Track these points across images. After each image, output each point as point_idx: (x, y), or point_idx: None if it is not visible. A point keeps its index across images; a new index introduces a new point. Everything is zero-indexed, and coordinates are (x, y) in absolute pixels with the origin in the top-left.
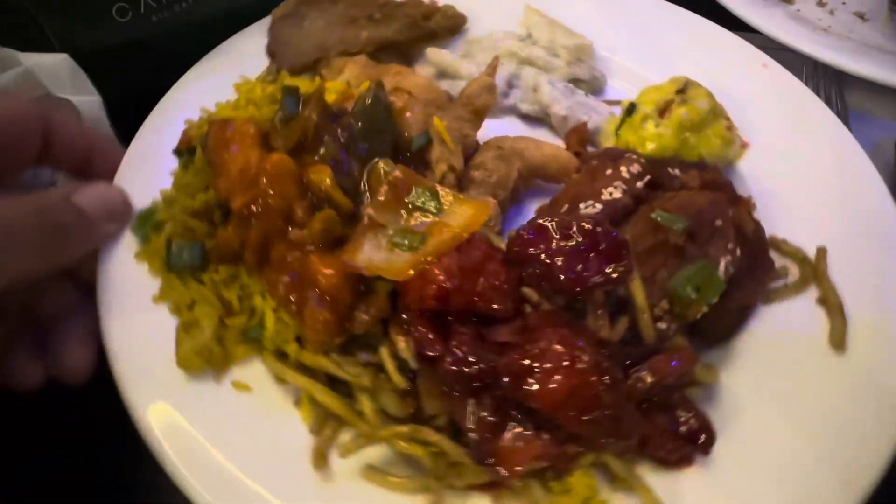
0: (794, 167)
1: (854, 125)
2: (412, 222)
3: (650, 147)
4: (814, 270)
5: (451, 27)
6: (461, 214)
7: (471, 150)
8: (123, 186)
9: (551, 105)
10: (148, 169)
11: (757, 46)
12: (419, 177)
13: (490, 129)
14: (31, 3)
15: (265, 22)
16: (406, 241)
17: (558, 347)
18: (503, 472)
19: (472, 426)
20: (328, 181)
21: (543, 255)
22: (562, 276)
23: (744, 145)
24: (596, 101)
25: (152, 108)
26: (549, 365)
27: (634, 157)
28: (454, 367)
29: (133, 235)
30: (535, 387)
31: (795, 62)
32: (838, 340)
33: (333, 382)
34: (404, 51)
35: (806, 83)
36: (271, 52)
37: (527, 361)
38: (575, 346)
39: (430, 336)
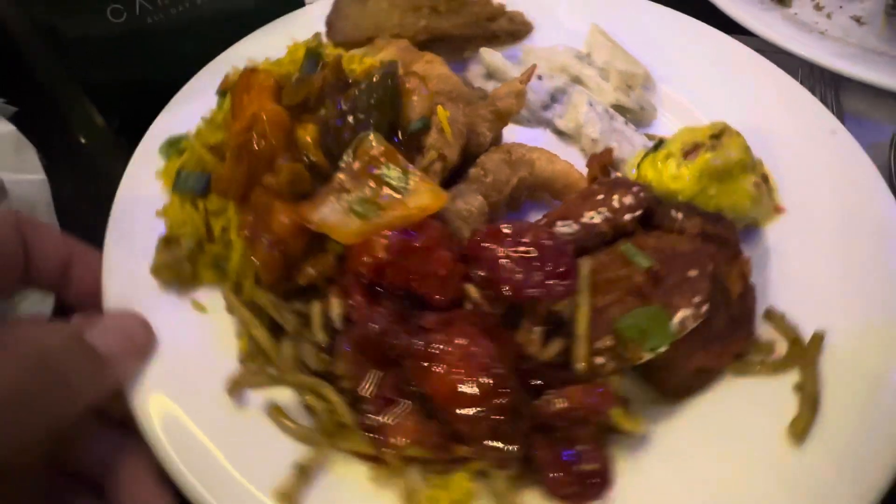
0: (830, 244)
1: (849, 128)
2: (376, 195)
3: (667, 187)
4: (803, 354)
5: (513, 33)
6: (420, 198)
7: (482, 148)
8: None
9: (585, 125)
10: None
11: (753, 49)
12: (398, 155)
13: (520, 137)
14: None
15: (261, 32)
16: (362, 209)
17: (463, 342)
18: (385, 446)
19: (366, 394)
20: (309, 139)
21: (491, 258)
22: (501, 281)
23: (777, 209)
24: (633, 132)
25: (148, 109)
26: (450, 358)
27: (635, 189)
28: (364, 333)
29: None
30: (431, 375)
31: (791, 65)
32: (799, 432)
33: (277, 330)
34: (458, 46)
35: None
36: (329, 22)
37: (433, 349)
38: (483, 349)
39: (359, 301)
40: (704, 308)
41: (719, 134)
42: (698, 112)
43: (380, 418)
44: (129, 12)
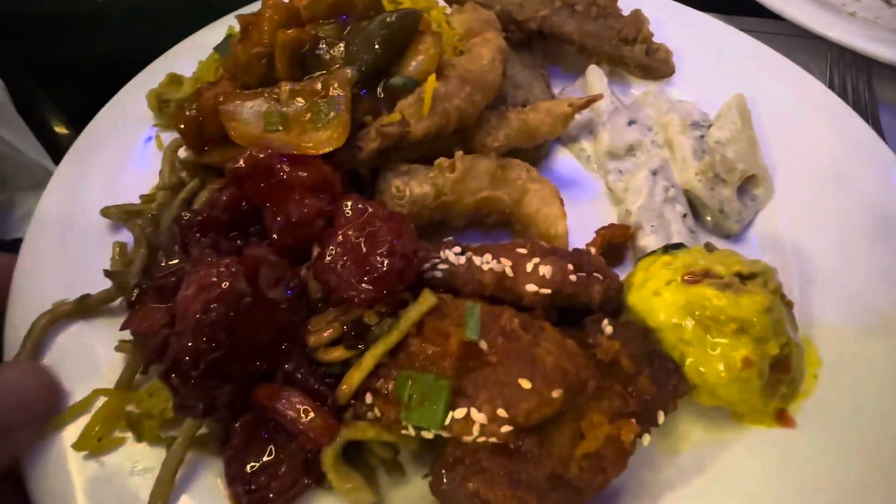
0: None
1: (883, 117)
2: (294, 116)
3: (642, 299)
4: None
5: (646, 67)
6: (316, 136)
7: (485, 149)
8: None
9: (629, 192)
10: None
11: (781, 33)
12: (345, 96)
13: (564, 170)
14: None
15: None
16: (270, 120)
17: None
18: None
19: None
20: (287, 43)
21: (331, 234)
22: (326, 269)
23: (783, 420)
24: (683, 227)
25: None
26: (204, 273)
27: (568, 282)
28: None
29: None
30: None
31: (820, 50)
32: None
33: None
34: (573, 52)
35: (830, 72)
36: None
37: (201, 266)
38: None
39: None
40: (505, 429)
41: (749, 276)
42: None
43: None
44: None
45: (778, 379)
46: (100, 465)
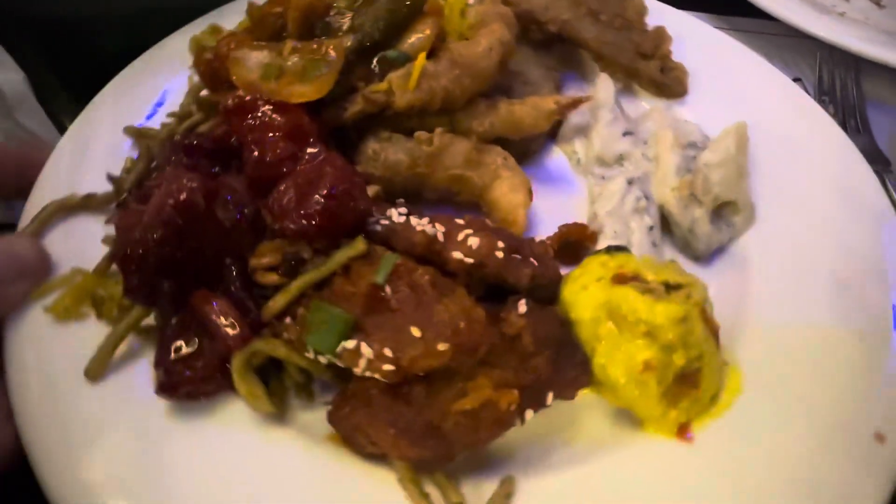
0: None
1: (871, 114)
2: (293, 68)
3: (571, 292)
4: None
5: (659, 85)
6: (301, 89)
7: (468, 134)
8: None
9: (600, 198)
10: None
11: (772, 33)
12: (336, 59)
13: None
14: None
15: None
16: (268, 70)
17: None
18: None
19: None
20: (300, 6)
21: (288, 174)
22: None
23: (680, 432)
24: (643, 239)
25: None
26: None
27: (493, 258)
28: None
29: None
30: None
31: (810, 48)
32: None
33: None
34: (583, 57)
35: (820, 70)
36: None
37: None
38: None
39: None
40: (387, 367)
41: (675, 287)
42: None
43: None
44: None
45: (683, 392)
46: (64, 338)
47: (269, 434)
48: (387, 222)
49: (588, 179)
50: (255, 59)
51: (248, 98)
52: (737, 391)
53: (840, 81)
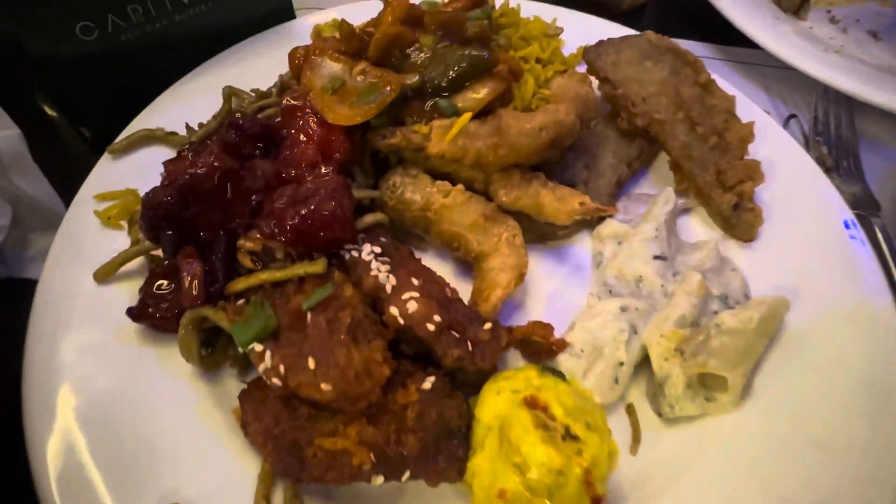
0: None
1: (864, 153)
2: (351, 88)
3: (487, 385)
4: None
5: (725, 219)
6: (338, 115)
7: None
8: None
9: (590, 310)
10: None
11: (772, 65)
12: (390, 93)
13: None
14: None
15: (235, 50)
16: (332, 85)
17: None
18: None
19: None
20: (386, 35)
21: (300, 182)
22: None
23: None
24: (605, 372)
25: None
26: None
27: (423, 328)
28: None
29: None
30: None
31: (807, 82)
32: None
33: None
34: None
35: (816, 110)
36: (592, 62)
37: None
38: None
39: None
40: (275, 382)
41: (573, 437)
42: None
43: None
44: (100, 30)
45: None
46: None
47: (190, 383)
48: (355, 255)
49: (594, 286)
50: (329, 68)
51: (301, 104)
52: None
53: (835, 121)
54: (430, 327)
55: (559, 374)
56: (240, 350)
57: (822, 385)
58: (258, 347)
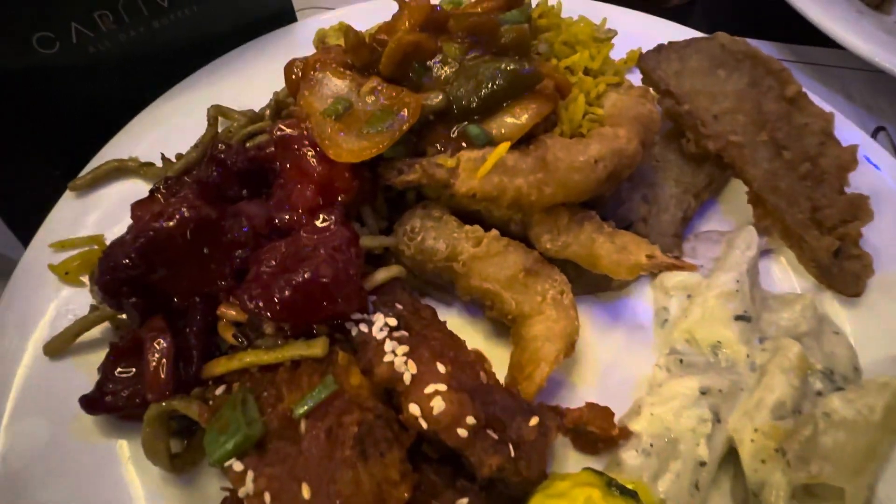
0: None
1: None
2: (359, 112)
3: (538, 497)
4: None
5: (823, 269)
6: (347, 146)
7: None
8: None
9: (659, 389)
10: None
11: (846, 66)
12: (408, 119)
13: None
14: None
15: (224, 61)
16: (334, 108)
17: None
18: None
19: None
20: (403, 44)
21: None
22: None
23: None
24: (684, 473)
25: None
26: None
27: (453, 433)
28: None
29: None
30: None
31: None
32: None
33: None
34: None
35: None
36: (650, 72)
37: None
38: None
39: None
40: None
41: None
42: None
43: None
44: (62, 41)
45: None
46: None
47: (161, 489)
48: (365, 329)
49: (661, 354)
50: (333, 86)
51: (297, 134)
52: None
53: None
54: (462, 433)
55: (630, 494)
56: (211, 464)
57: None
58: (237, 466)
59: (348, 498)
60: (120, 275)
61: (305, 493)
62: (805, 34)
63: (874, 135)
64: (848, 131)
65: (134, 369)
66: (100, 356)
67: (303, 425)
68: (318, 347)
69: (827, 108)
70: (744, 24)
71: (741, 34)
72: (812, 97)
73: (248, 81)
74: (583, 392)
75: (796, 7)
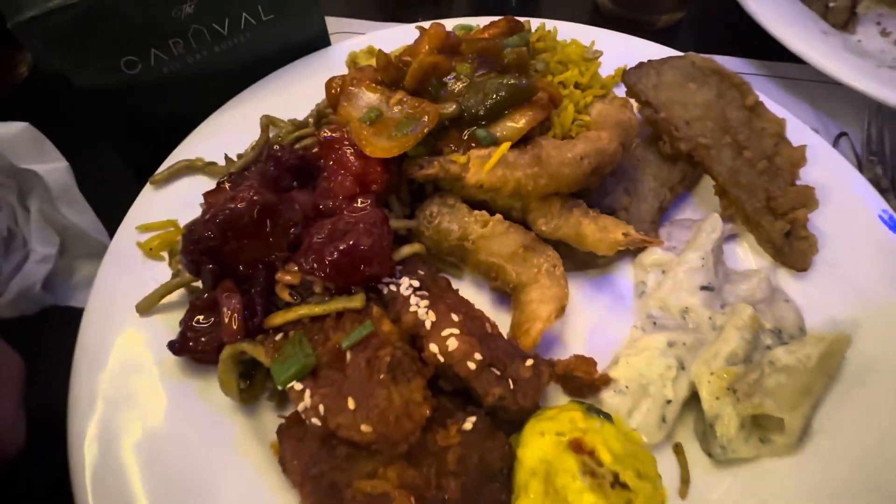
0: None
1: None
2: (388, 119)
3: (530, 424)
4: None
5: (776, 248)
6: (377, 145)
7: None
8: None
9: (630, 346)
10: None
11: (814, 80)
12: (427, 124)
13: None
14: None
15: (272, 78)
16: (369, 116)
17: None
18: None
19: None
20: (424, 64)
21: (341, 216)
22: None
23: None
24: (652, 410)
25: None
26: (237, 190)
27: (463, 366)
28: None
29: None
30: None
31: (858, 99)
32: None
33: None
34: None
35: (868, 127)
36: (632, 85)
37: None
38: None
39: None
40: (314, 421)
41: (623, 485)
42: None
43: None
44: (143, 63)
45: None
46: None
47: (229, 416)
48: (394, 289)
49: (638, 317)
50: (366, 98)
51: (338, 136)
52: None
53: (890, 139)
54: (471, 365)
55: (605, 415)
56: (279, 387)
57: (885, 427)
58: (297, 386)
59: (383, 410)
60: (201, 246)
61: (351, 404)
62: (777, 52)
63: (836, 140)
64: (801, 133)
65: (210, 321)
66: (178, 314)
67: (347, 356)
68: (357, 301)
69: (789, 116)
70: (726, 44)
71: (722, 51)
72: (783, 106)
73: (291, 95)
74: (572, 348)
75: (768, 29)
